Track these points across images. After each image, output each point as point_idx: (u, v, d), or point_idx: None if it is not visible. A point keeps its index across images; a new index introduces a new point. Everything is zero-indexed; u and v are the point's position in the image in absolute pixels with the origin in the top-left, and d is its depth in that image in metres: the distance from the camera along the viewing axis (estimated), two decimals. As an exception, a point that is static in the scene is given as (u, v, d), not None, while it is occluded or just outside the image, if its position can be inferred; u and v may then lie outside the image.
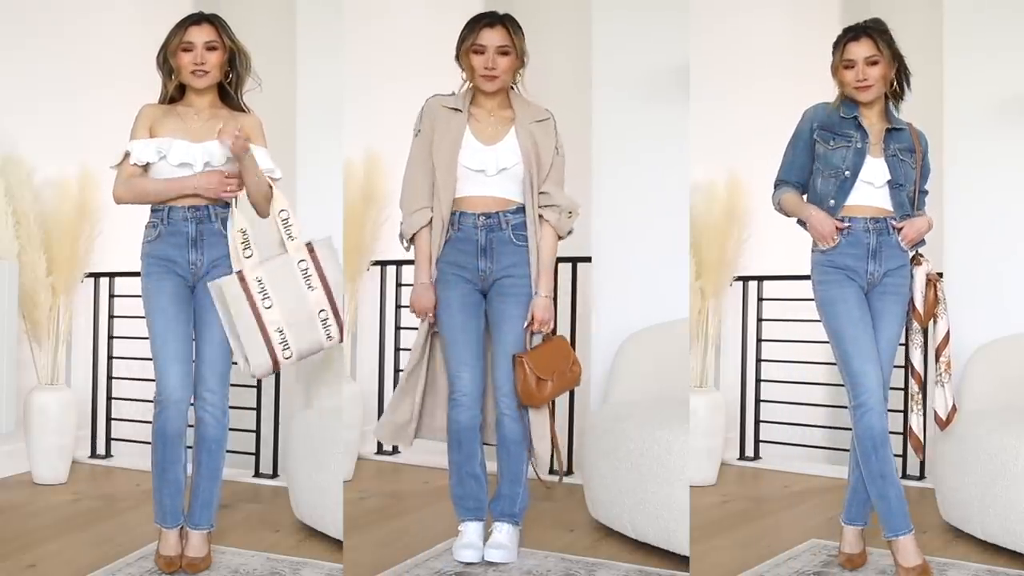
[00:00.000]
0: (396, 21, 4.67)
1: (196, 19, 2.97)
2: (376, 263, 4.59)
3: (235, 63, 3.00)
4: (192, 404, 3.02)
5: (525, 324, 3.11)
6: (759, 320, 4.60)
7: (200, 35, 2.94)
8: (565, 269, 4.25)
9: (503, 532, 3.17)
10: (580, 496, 3.61)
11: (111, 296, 4.60)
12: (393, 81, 4.48)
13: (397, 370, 4.57)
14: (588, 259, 3.98)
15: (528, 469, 3.20)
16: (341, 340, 3.02)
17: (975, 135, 3.90)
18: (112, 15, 4.64)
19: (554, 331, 3.20)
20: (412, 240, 3.14)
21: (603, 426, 3.50)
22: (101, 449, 4.62)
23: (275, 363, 2.94)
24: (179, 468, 3.03)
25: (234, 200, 2.94)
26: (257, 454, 4.23)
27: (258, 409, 4.21)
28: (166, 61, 2.98)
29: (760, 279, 4.57)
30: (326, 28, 3.91)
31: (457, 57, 3.11)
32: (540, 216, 3.10)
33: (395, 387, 4.52)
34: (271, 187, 2.98)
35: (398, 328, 4.65)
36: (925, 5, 4.18)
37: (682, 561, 3.12)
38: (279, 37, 4.17)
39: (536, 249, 3.09)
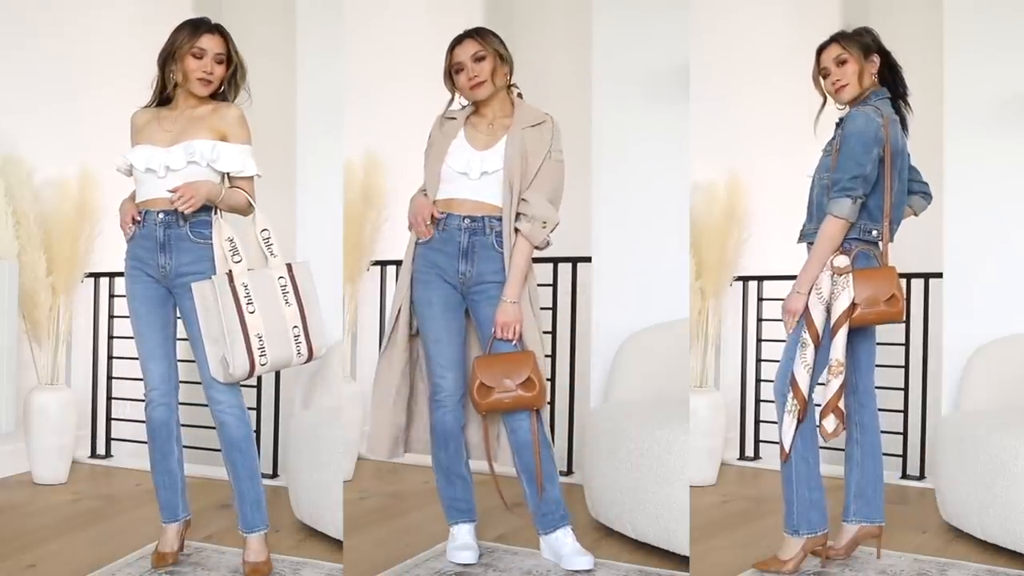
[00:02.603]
0: (396, 22, 4.68)
1: (209, 28, 2.98)
2: (376, 263, 4.59)
3: (234, 75, 3.02)
4: (208, 407, 3.03)
5: (492, 329, 3.06)
6: (759, 320, 4.60)
7: (212, 45, 2.96)
8: (565, 269, 4.25)
9: (570, 536, 3.14)
10: (580, 496, 3.61)
11: (111, 296, 4.60)
12: (393, 82, 4.48)
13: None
14: (588, 259, 3.98)
15: (555, 467, 3.16)
16: (309, 359, 3.03)
17: (975, 135, 3.90)
18: (112, 15, 4.64)
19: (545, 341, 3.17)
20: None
21: (603, 426, 3.50)
22: (101, 449, 4.63)
23: (252, 368, 2.93)
24: (171, 461, 3.11)
25: (216, 209, 2.95)
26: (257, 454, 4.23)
27: (258, 409, 4.21)
28: (167, 61, 2.97)
29: (760, 279, 4.57)
30: (326, 29, 3.92)
31: (448, 87, 3.13)
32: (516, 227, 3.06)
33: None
34: (251, 203, 2.99)
35: (398, 328, 4.65)
36: (925, 5, 4.18)
37: (682, 561, 3.12)
38: (279, 38, 4.18)
39: (509, 256, 3.05)
